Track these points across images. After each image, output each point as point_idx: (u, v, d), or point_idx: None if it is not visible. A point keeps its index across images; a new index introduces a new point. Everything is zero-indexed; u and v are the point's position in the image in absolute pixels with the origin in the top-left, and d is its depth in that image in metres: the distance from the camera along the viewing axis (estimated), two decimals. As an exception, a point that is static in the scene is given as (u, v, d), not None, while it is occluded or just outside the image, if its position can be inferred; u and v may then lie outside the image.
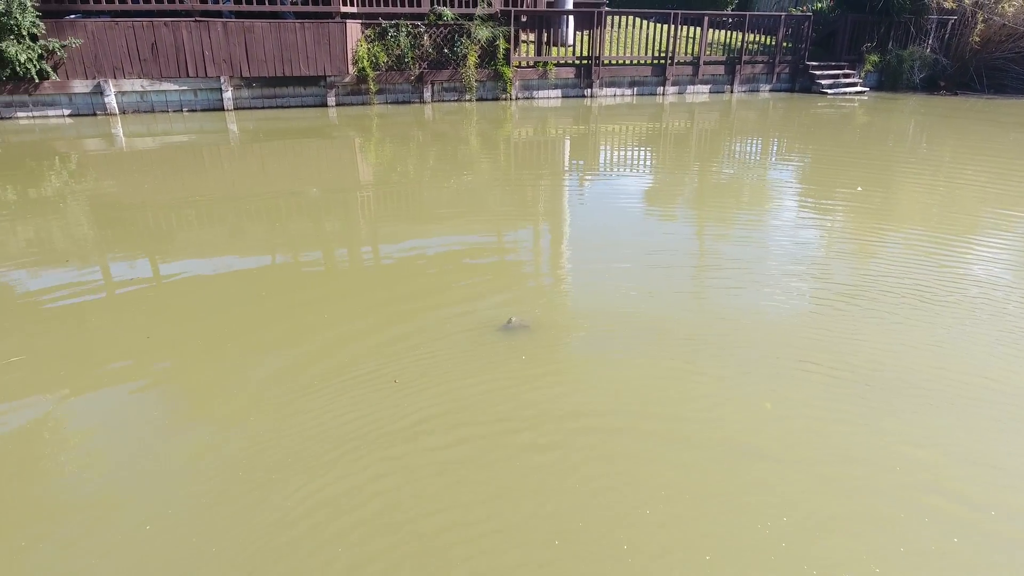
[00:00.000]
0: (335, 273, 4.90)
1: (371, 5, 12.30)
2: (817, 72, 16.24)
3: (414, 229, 5.84)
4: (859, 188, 7.28)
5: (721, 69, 15.60)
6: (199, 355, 3.60)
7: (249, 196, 6.90)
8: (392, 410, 3.07)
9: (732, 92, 15.80)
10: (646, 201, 7.03)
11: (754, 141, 10.66)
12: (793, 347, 3.70)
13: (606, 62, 14.40)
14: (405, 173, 7.99)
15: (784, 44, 16.11)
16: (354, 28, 12.04)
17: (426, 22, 12.54)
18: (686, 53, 15.26)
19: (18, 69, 10.09)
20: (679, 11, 14.72)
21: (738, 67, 15.65)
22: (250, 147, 9.33)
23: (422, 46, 12.61)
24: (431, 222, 6.06)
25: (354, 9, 12.08)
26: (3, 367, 3.45)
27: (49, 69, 10.44)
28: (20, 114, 10.61)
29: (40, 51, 10.26)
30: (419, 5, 12.57)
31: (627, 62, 14.69)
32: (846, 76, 16.51)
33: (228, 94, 11.56)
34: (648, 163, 8.93)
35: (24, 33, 10.00)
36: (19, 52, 9.95)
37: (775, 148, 10.10)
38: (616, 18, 14.87)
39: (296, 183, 7.44)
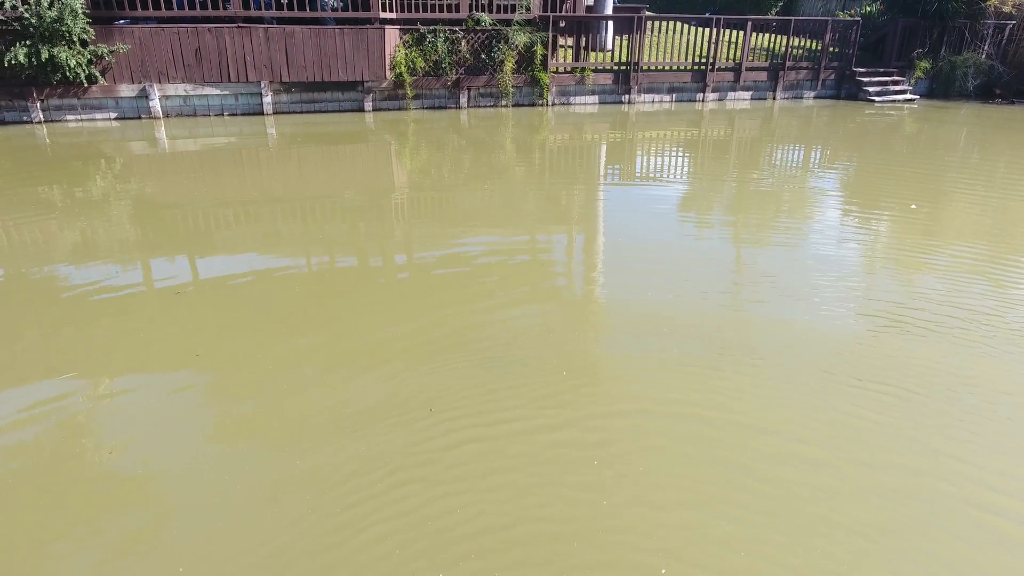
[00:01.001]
0: (369, 277, 5.04)
1: (410, 11, 12.54)
2: (864, 79, 15.98)
3: (448, 235, 5.95)
4: (913, 206, 7.14)
5: (764, 75, 15.46)
6: (235, 358, 3.76)
7: (286, 199, 7.12)
8: (427, 422, 3.18)
9: (775, 99, 15.65)
10: (682, 210, 7.04)
11: (796, 150, 10.55)
12: (829, 362, 3.69)
13: (645, 68, 14.40)
14: (440, 178, 8.14)
15: (830, 49, 15.89)
16: (392, 34, 12.29)
17: (464, 28, 12.73)
18: (728, 59, 15.17)
19: (68, 74, 10.56)
20: (721, 15, 14.65)
21: (781, 73, 15.49)
22: (288, 151, 9.60)
23: (459, 52, 12.80)
24: (465, 228, 6.16)
25: (393, 15, 12.33)
26: (57, 369, 3.66)
27: (97, 74, 10.89)
28: (69, 117, 11.09)
29: (89, 56, 10.73)
30: (457, 11, 12.77)
31: (666, 68, 14.67)
32: (895, 83, 16.21)
33: (268, 99, 11.90)
34: (685, 171, 8.92)
35: (75, 39, 10.47)
36: (69, 57, 10.41)
37: (817, 157, 9.99)
38: (656, 23, 14.87)
39: (332, 187, 7.65)
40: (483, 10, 12.91)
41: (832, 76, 16.09)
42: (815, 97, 16.06)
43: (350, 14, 12.09)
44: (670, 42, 15.03)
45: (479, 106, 13.39)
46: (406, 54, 12.46)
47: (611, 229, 6.24)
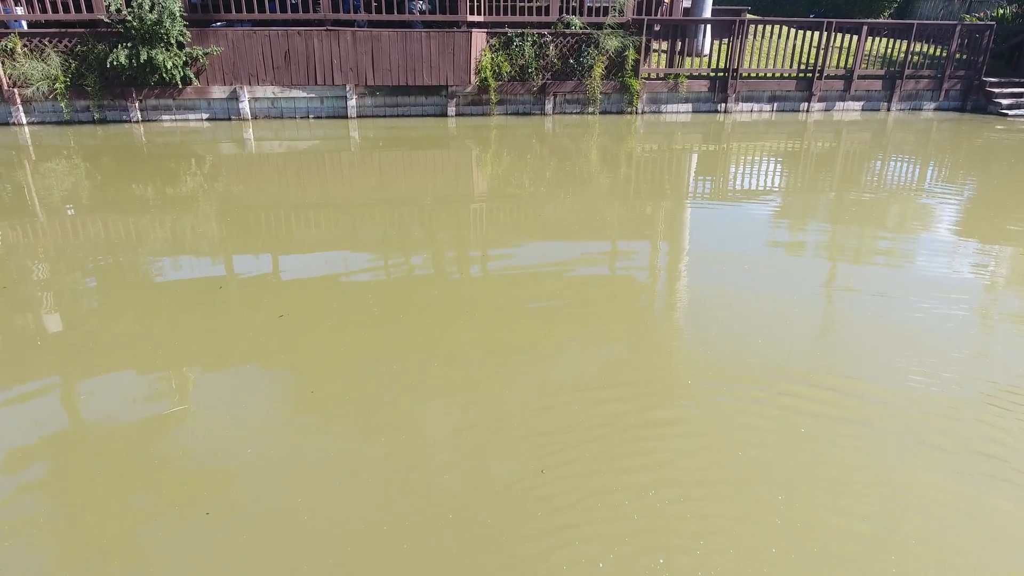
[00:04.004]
0: (441, 287, 5.18)
1: (498, 14, 12.80)
2: (996, 90, 15.06)
3: (523, 251, 6.04)
4: None
5: (878, 84, 14.84)
6: (306, 353, 3.96)
7: (366, 204, 7.42)
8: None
9: (889, 110, 14.98)
10: (773, 233, 6.87)
11: (909, 169, 10.08)
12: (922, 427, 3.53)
13: (744, 75, 14.11)
14: (521, 187, 8.26)
15: (957, 56, 15.08)
16: (479, 37, 12.58)
17: (553, 31, 12.87)
18: (837, 66, 14.66)
19: (165, 75, 11.38)
20: (831, 19, 14.18)
21: (899, 82, 14.82)
22: (370, 155, 9.99)
23: (547, 56, 12.95)
24: (542, 244, 6.24)
25: (480, 18, 12.62)
26: (148, 353, 3.97)
27: (192, 75, 11.68)
28: (165, 117, 11.95)
29: (185, 58, 11.53)
30: (547, 14, 12.94)
31: (768, 75, 14.32)
32: (1032, 94, 15.19)
33: (352, 102, 12.42)
34: (783, 189, 8.68)
35: (172, 41, 11.28)
36: (166, 59, 11.23)
37: (932, 177, 9.50)
38: (758, 27, 14.56)
39: (412, 192, 7.91)
40: (574, 13, 13.02)
41: (957, 86, 15.25)
42: (936, 109, 15.27)
43: (438, 17, 12.47)
44: (773, 47, 14.67)
45: (565, 113, 13.49)
46: (492, 58, 12.72)
47: (696, 251, 6.16)
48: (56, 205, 7.26)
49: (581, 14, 13.08)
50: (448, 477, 2.99)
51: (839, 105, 14.85)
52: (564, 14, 12.96)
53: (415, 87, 12.67)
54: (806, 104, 14.60)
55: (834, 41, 14.43)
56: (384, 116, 12.77)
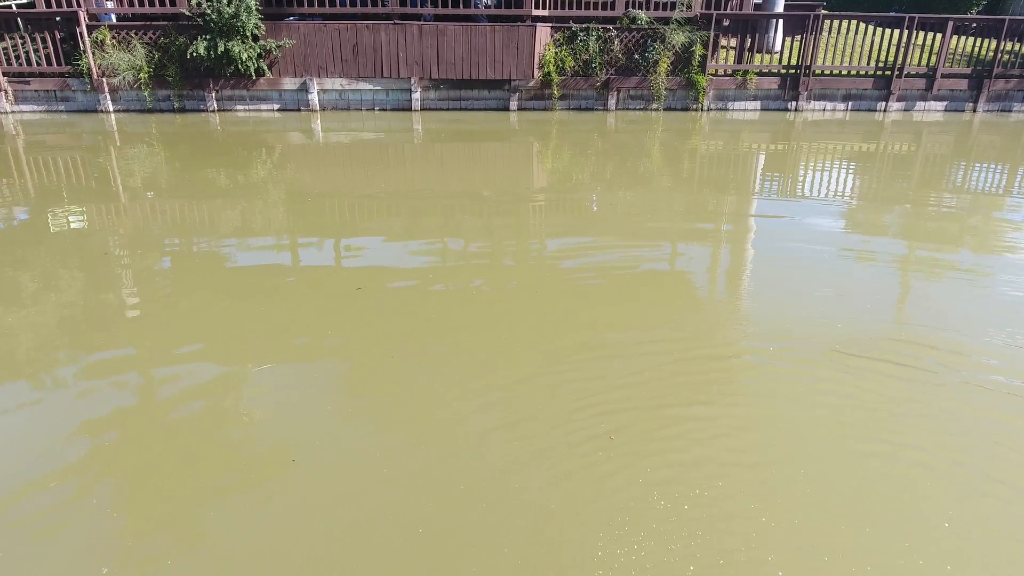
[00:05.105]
0: (498, 277, 5.43)
1: (562, 8, 12.98)
2: (1095, 90, 14.33)
3: (576, 250, 6.24)
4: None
5: (964, 83, 14.32)
6: (369, 339, 4.27)
7: (430, 193, 7.77)
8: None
9: (975, 111, 14.44)
10: (842, 242, 6.85)
11: (995, 175, 9.78)
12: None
13: (817, 72, 13.87)
14: (581, 183, 8.44)
15: (1052, 55, 14.42)
16: (543, 31, 12.80)
17: (618, 26, 12.97)
18: (919, 64, 14.24)
19: (240, 66, 12.03)
20: (913, 14, 13.79)
21: (987, 81, 14.26)
22: (432, 148, 10.36)
23: (611, 51, 13.06)
24: (595, 243, 6.41)
25: (545, 12, 12.83)
26: (212, 342, 4.36)
27: (265, 67, 12.31)
28: (239, 107, 12.63)
29: (259, 50, 12.16)
30: (612, 8, 13.04)
31: (843, 72, 14.03)
32: None
33: (416, 95, 12.84)
34: (859, 196, 8.59)
35: (248, 34, 11.92)
36: (242, 51, 11.87)
37: (1021, 184, 9.21)
38: (833, 22, 14.28)
39: (474, 184, 8.21)
40: (640, 7, 13.08)
41: (1052, 86, 14.58)
42: (1028, 110, 14.64)
43: (503, 11, 12.75)
44: (848, 44, 14.35)
45: (628, 109, 13.57)
46: (556, 53, 12.92)
47: (760, 255, 6.23)
48: (139, 189, 7.86)
49: (647, 8, 13.12)
50: (520, 421, 3.24)
51: (919, 105, 14.41)
52: (630, 8, 13.03)
53: (478, 81, 12.98)
54: (883, 103, 14.22)
55: (915, 38, 14.03)
56: (447, 109, 13.14)
